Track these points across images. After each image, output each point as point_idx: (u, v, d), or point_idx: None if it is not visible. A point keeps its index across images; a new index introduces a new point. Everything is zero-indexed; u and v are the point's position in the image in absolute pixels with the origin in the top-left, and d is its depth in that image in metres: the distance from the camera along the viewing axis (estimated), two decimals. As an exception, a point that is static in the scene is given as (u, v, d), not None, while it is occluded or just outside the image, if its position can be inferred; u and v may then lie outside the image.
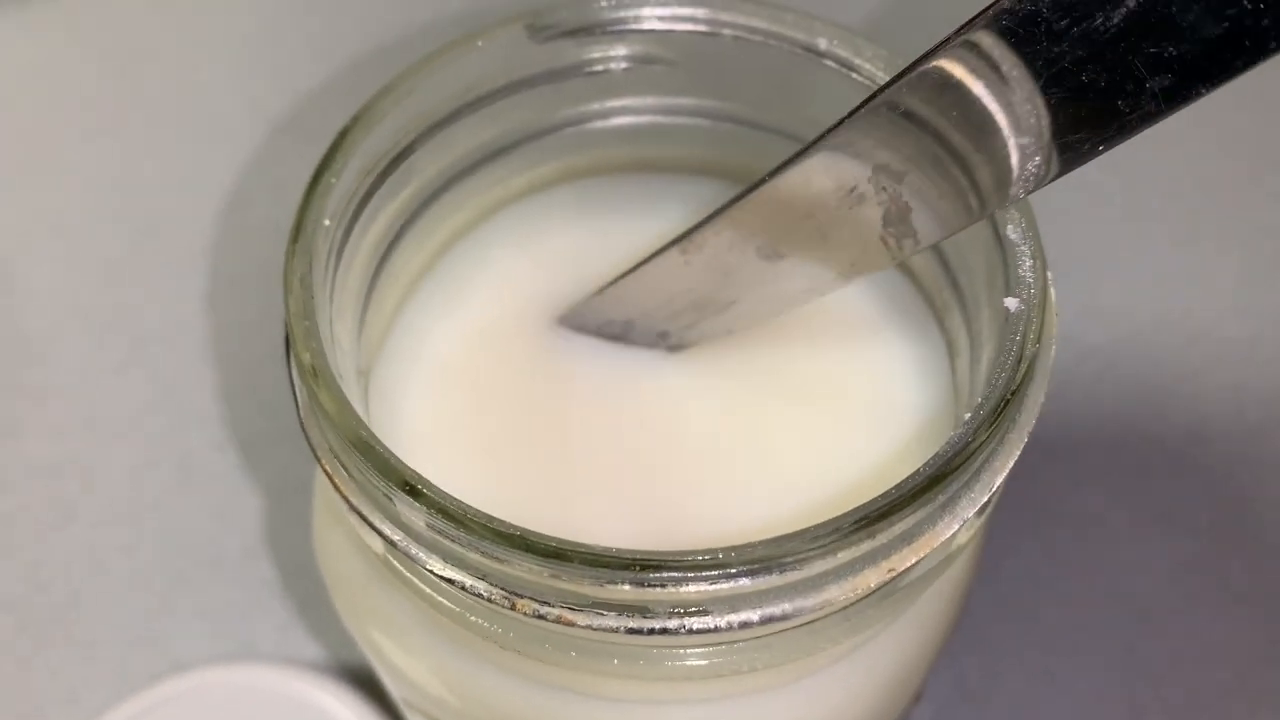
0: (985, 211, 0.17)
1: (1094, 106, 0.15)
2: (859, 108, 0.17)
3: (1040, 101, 0.15)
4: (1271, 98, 0.43)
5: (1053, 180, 0.16)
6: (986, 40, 0.15)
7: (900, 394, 0.21)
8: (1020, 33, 0.15)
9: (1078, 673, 0.32)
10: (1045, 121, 0.15)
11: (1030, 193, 0.16)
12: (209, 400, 0.36)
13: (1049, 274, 0.18)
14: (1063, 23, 0.14)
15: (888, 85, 0.17)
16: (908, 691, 0.20)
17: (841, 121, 0.17)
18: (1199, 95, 0.14)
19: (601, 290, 0.21)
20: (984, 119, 0.16)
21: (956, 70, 0.16)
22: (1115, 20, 0.14)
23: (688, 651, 0.16)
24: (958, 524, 0.16)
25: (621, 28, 0.21)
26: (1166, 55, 0.14)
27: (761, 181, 0.18)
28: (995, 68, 0.15)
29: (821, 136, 0.17)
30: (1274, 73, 0.39)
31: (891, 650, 0.19)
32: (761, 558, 0.15)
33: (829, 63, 0.20)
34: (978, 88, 0.15)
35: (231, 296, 0.38)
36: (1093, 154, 0.15)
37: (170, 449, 0.35)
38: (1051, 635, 0.32)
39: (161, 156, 0.42)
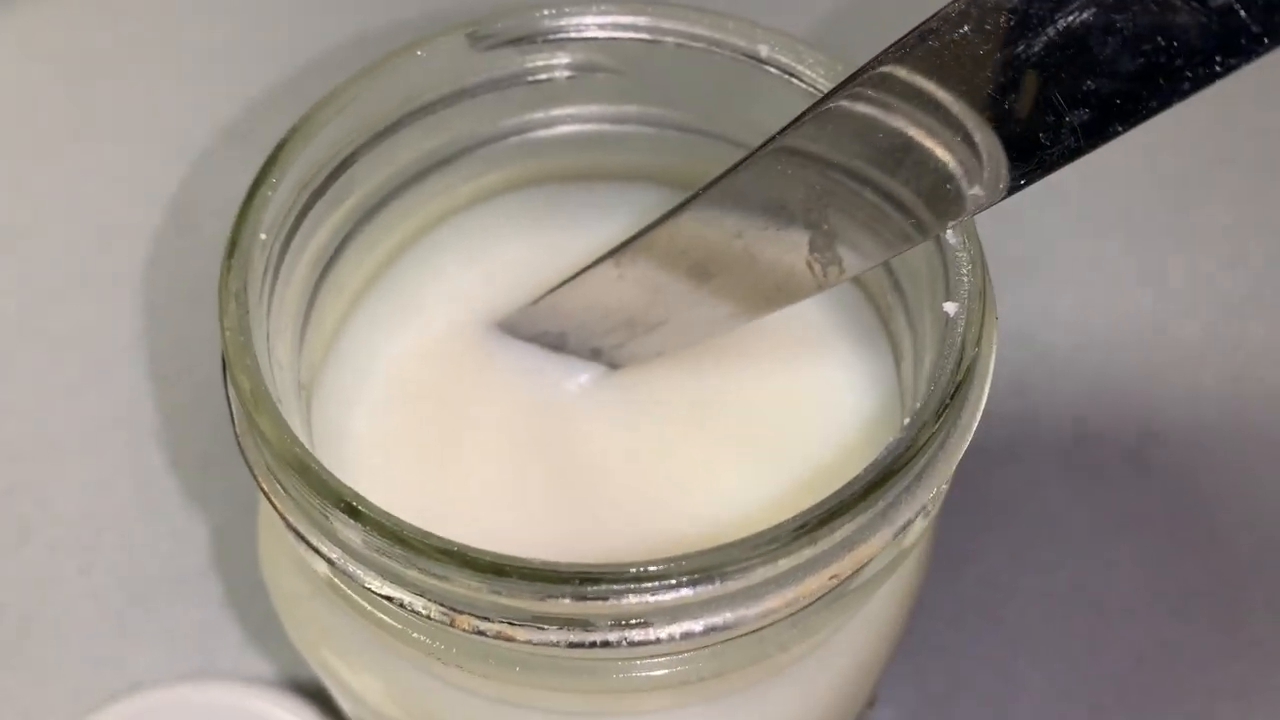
0: (913, 240, 0.17)
1: (1016, 138, 0.15)
2: (767, 143, 0.17)
3: (964, 130, 0.15)
4: (1222, 99, 0.44)
5: (978, 212, 0.16)
6: (905, 67, 0.15)
7: (846, 397, 0.21)
8: (945, 55, 0.15)
9: (1039, 673, 0.32)
10: (968, 152, 0.15)
11: (955, 223, 0.16)
12: (162, 419, 0.36)
13: (989, 277, 0.18)
14: (985, 48, 0.14)
15: (794, 122, 0.17)
16: (860, 696, 0.20)
17: (761, 147, 0.17)
18: (1116, 134, 0.14)
19: (537, 300, 0.21)
20: (903, 148, 0.16)
21: (869, 102, 0.16)
22: (1036, 49, 0.14)
23: (633, 663, 0.16)
24: (899, 529, 0.16)
25: (563, 36, 0.21)
26: (1085, 89, 0.14)
27: (693, 197, 0.18)
28: (913, 96, 0.15)
29: (749, 156, 0.18)
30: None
31: (842, 654, 0.19)
32: (702, 567, 0.15)
33: (771, 69, 0.20)
34: (894, 118, 0.16)
35: (184, 313, 0.38)
36: (1015, 187, 0.15)
37: (124, 469, 0.35)
38: (1012, 636, 0.32)
39: (111, 171, 0.41)
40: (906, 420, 0.16)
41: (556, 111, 0.22)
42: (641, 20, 0.21)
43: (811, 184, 0.17)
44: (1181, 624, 0.32)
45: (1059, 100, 0.14)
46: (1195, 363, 0.37)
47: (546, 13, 0.21)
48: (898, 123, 0.15)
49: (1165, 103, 0.14)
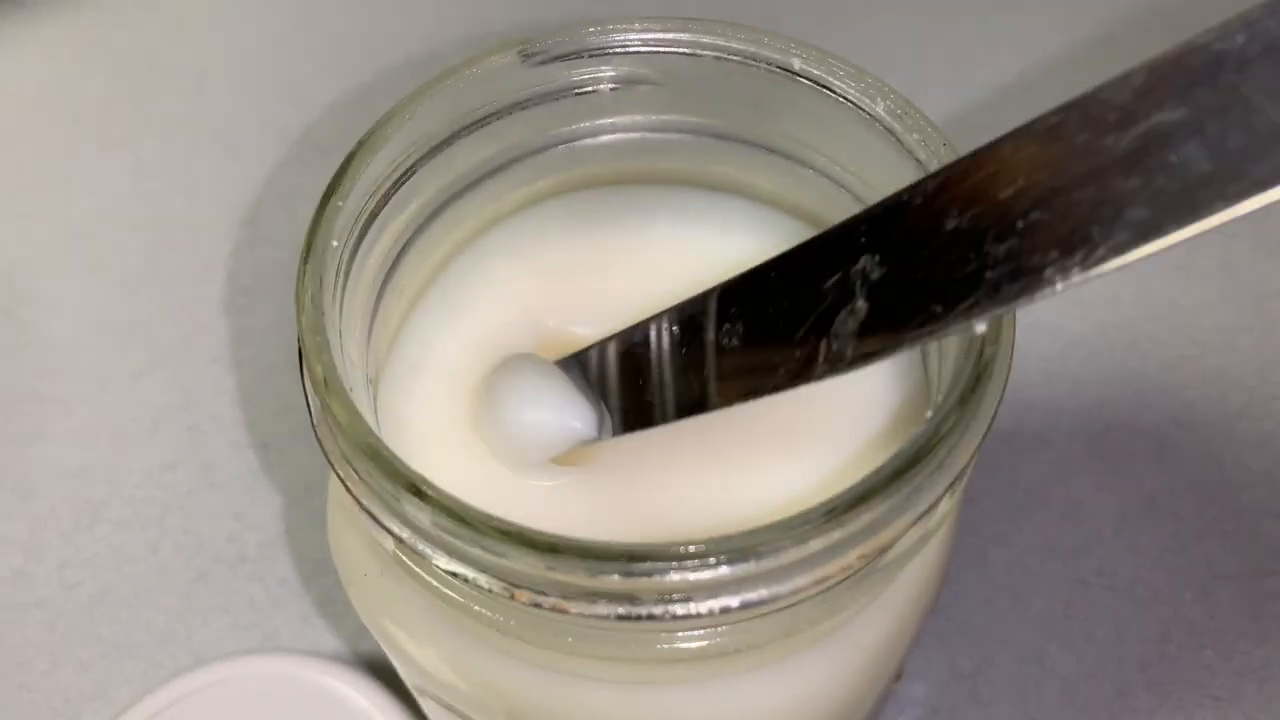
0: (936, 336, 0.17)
1: (1067, 235, 0.14)
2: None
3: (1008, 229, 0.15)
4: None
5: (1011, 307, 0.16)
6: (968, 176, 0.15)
7: (878, 389, 0.22)
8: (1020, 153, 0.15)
9: (1066, 653, 0.32)
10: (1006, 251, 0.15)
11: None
12: (227, 403, 0.37)
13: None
14: (1080, 139, 0.14)
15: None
16: (887, 669, 0.21)
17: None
18: (1167, 234, 0.14)
19: (559, 360, 0.22)
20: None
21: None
22: (1123, 144, 0.14)
23: (675, 635, 0.18)
24: (920, 513, 0.17)
25: (608, 51, 0.22)
26: (1156, 185, 0.14)
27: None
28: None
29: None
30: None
31: (869, 631, 0.20)
32: (739, 548, 0.16)
33: (804, 81, 0.21)
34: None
35: (247, 303, 0.39)
36: (1057, 284, 0.15)
37: (190, 451, 0.36)
38: (1040, 618, 0.33)
39: (176, 168, 0.43)
40: (929, 413, 0.17)
41: (601, 121, 0.23)
42: (682, 36, 0.22)
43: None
44: (1206, 607, 0.33)
45: (1122, 195, 0.14)
46: (1222, 350, 0.38)
47: (592, 30, 0.22)
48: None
49: (1218, 208, 0.13)
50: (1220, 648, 0.32)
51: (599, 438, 0.21)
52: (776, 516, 0.16)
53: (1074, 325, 0.38)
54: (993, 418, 0.17)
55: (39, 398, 0.37)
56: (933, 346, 0.21)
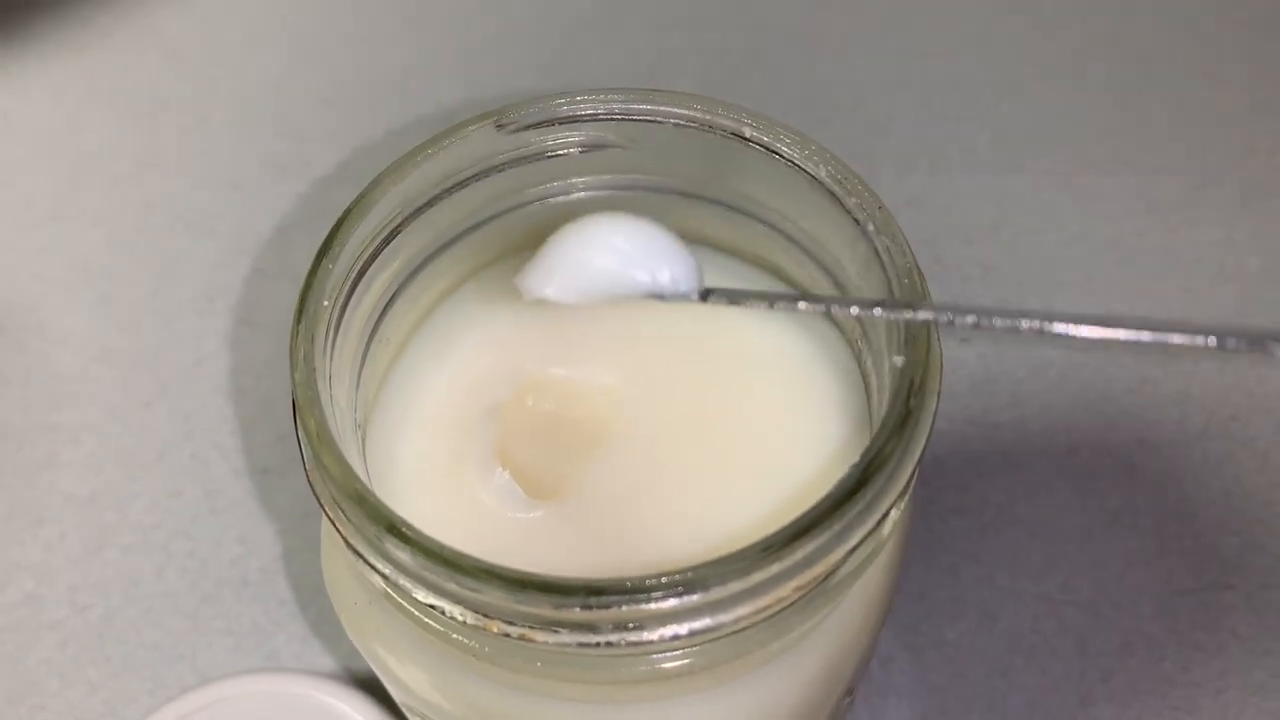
0: None
1: None
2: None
3: None
4: (1205, 117, 0.45)
5: None
6: None
7: (827, 426, 0.24)
8: None
9: (1032, 666, 0.33)
10: None
11: None
12: (228, 432, 0.38)
13: (936, 334, 0.20)
14: None
15: None
16: (837, 685, 0.23)
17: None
18: None
19: None
20: None
21: None
22: None
23: (633, 659, 0.19)
24: (851, 548, 0.19)
25: (577, 120, 0.24)
26: None
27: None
28: None
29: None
30: (1210, 95, 0.40)
31: (817, 650, 0.22)
32: (685, 581, 0.18)
33: (754, 146, 0.23)
34: None
35: (247, 334, 0.40)
36: None
37: (195, 479, 0.37)
38: (1008, 632, 0.34)
39: (180, 203, 0.44)
40: (856, 459, 0.19)
41: (572, 180, 0.25)
42: (645, 105, 0.23)
43: None
44: (1165, 621, 0.34)
45: None
46: (1184, 375, 0.38)
47: (562, 100, 0.23)
48: None
49: None
50: (1179, 660, 0.33)
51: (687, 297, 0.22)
52: (729, 546, 0.18)
53: (1042, 350, 0.39)
54: (919, 459, 0.19)
55: (49, 428, 0.38)
56: (874, 387, 0.22)
